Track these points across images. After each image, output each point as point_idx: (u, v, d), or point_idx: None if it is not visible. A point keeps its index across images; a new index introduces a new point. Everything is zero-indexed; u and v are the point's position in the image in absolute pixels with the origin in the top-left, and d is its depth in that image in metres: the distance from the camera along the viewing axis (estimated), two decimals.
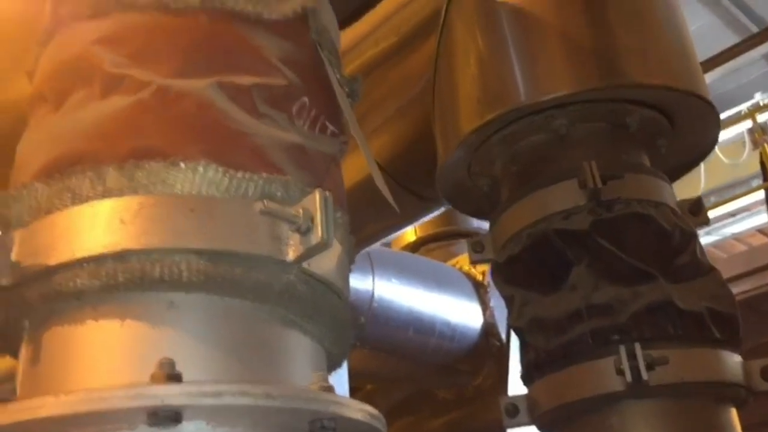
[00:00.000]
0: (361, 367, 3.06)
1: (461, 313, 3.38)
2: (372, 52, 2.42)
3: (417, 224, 3.84)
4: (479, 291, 3.51)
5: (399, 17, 2.39)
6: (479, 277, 3.55)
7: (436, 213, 2.92)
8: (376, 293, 3.07)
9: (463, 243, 3.94)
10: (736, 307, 1.73)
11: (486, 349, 3.40)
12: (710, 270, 1.78)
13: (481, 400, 3.45)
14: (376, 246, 3.07)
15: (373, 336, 3.06)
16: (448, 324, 3.30)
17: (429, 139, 2.16)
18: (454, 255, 3.85)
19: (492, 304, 3.45)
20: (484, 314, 3.43)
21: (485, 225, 3.76)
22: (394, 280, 3.18)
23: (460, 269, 3.63)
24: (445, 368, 3.42)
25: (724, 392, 1.67)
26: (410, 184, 2.46)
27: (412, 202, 2.53)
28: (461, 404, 3.52)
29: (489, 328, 3.42)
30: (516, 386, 2.99)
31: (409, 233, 4.11)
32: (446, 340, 3.31)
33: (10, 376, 2.94)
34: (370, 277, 3.07)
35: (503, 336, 3.40)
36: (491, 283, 3.46)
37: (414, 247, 4.08)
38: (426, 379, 3.54)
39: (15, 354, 1.23)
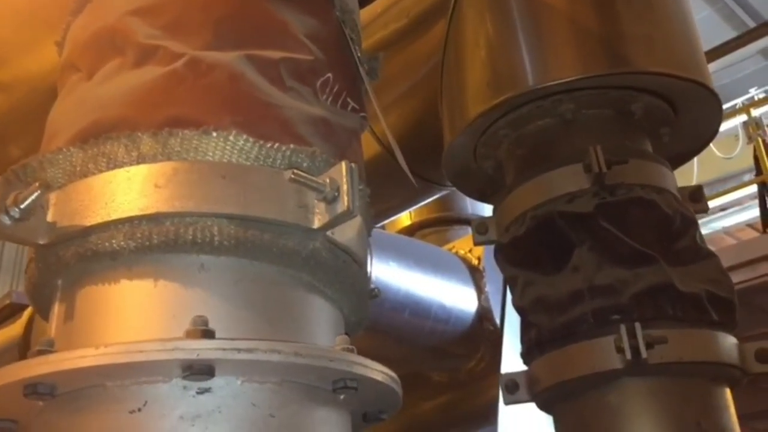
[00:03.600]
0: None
1: (457, 297, 3.39)
2: (381, 34, 2.44)
3: (413, 209, 3.86)
4: (475, 275, 3.53)
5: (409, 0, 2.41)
6: (475, 262, 3.58)
7: (437, 196, 2.95)
8: (373, 275, 3.08)
9: (458, 229, 3.99)
10: (733, 292, 1.78)
11: (480, 333, 3.42)
12: (709, 255, 1.82)
13: (473, 384, 3.48)
14: (374, 229, 3.09)
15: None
16: (443, 307, 3.32)
17: (434, 122, 2.18)
18: (449, 240, 3.87)
19: (487, 288, 3.48)
20: (479, 298, 3.46)
21: (480, 212, 3.82)
22: (392, 263, 3.19)
23: (456, 254, 3.65)
24: (439, 351, 3.44)
25: (720, 372, 1.72)
26: (414, 166, 2.49)
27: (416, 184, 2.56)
28: (454, 387, 3.55)
29: (484, 313, 3.44)
30: (508, 370, 3.02)
31: (404, 218, 4.12)
32: (441, 324, 3.32)
33: (5, 350, 2.96)
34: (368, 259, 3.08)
35: (497, 320, 3.43)
36: (486, 268, 3.52)
37: (409, 232, 4.09)
38: (420, 362, 3.56)
39: (43, 314, 1.27)
